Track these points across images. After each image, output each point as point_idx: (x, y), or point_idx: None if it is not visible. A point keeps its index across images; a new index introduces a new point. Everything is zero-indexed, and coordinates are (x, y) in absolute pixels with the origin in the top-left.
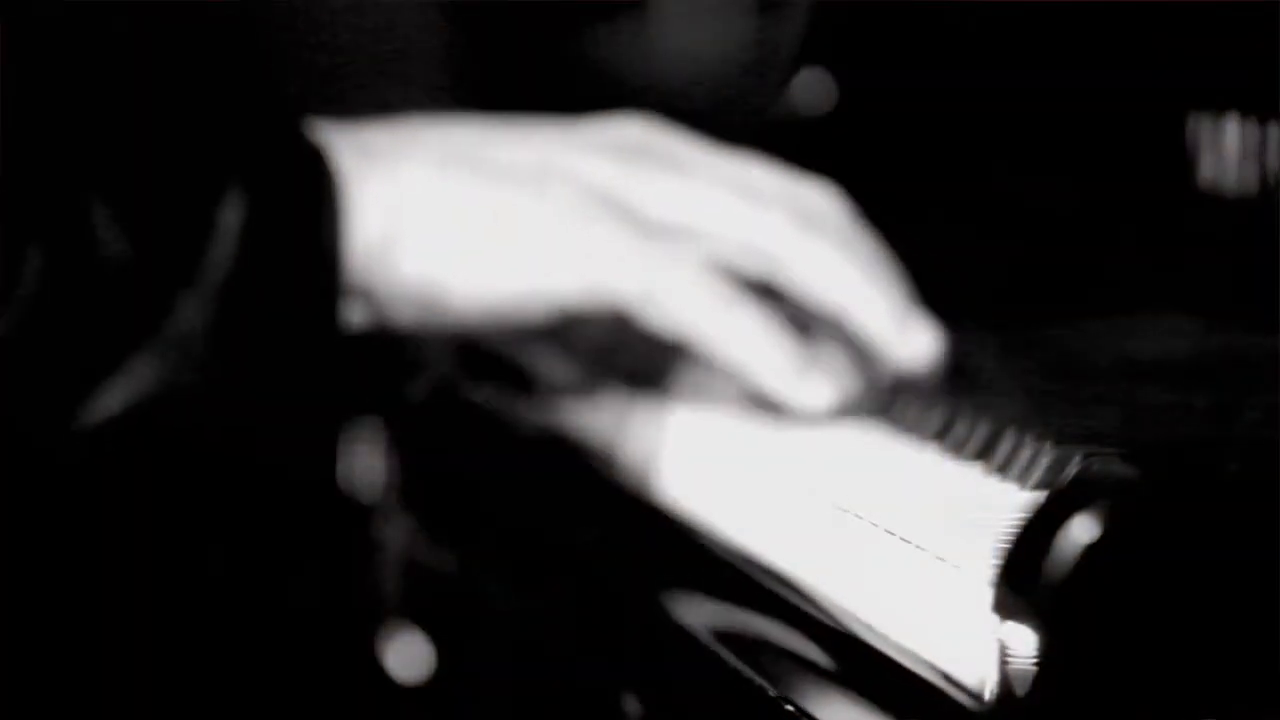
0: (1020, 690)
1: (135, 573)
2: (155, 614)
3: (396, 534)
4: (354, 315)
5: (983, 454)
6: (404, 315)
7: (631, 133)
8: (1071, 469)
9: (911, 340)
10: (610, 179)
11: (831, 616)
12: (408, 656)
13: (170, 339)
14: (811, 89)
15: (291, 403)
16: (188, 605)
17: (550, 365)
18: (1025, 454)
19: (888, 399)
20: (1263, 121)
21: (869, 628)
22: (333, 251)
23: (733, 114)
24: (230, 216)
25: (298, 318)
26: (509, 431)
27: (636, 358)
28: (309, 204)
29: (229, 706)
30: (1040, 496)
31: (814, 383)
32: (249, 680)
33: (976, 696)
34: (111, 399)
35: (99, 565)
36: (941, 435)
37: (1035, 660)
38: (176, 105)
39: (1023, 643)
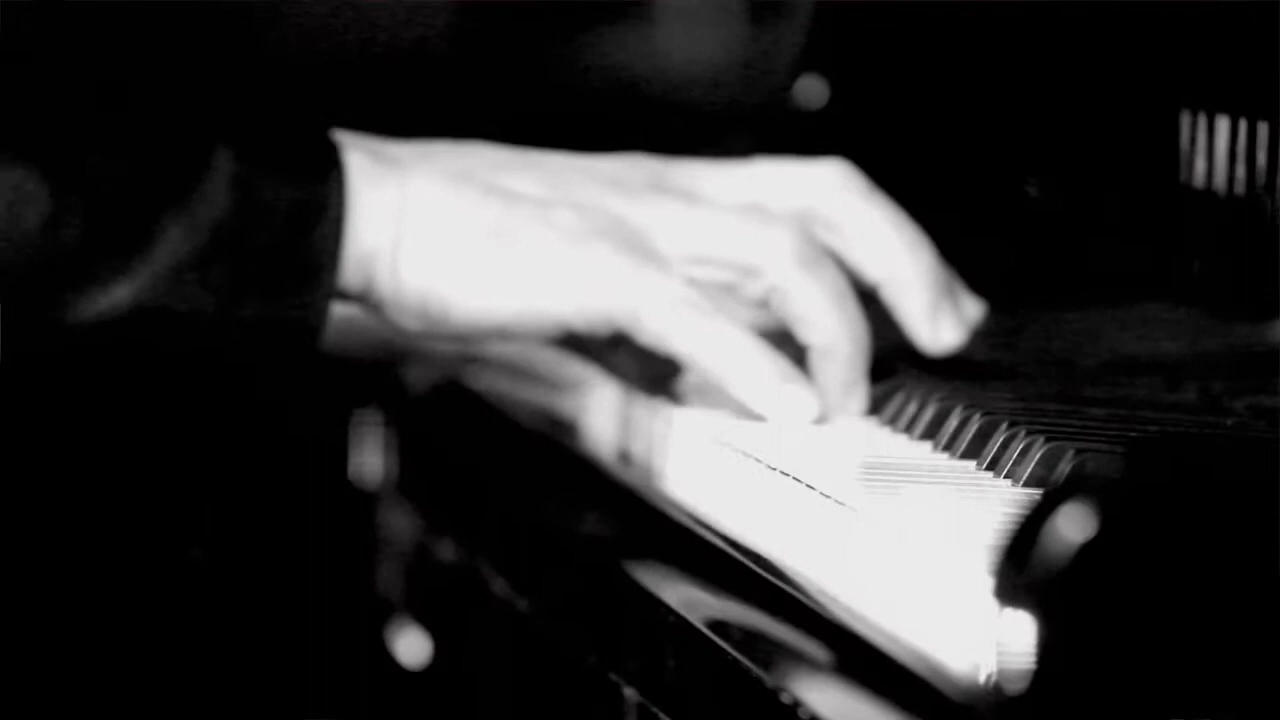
0: (1014, 687)
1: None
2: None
3: (400, 523)
4: (359, 319)
5: (976, 449)
6: (406, 325)
7: (642, 166)
8: (1065, 465)
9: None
10: (616, 208)
11: (828, 609)
12: (416, 642)
13: (153, 261)
14: (812, 93)
15: (276, 357)
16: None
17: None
18: (1018, 449)
19: (882, 395)
20: (1253, 120)
21: (865, 620)
22: (335, 230)
23: (735, 112)
24: (224, 159)
25: (287, 280)
26: (512, 422)
27: (640, 353)
28: (310, 172)
29: (225, 690)
30: (1034, 493)
31: (794, 396)
32: (248, 666)
33: (970, 692)
34: (89, 305)
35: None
36: (936, 431)
37: (1028, 658)
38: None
39: (1017, 641)
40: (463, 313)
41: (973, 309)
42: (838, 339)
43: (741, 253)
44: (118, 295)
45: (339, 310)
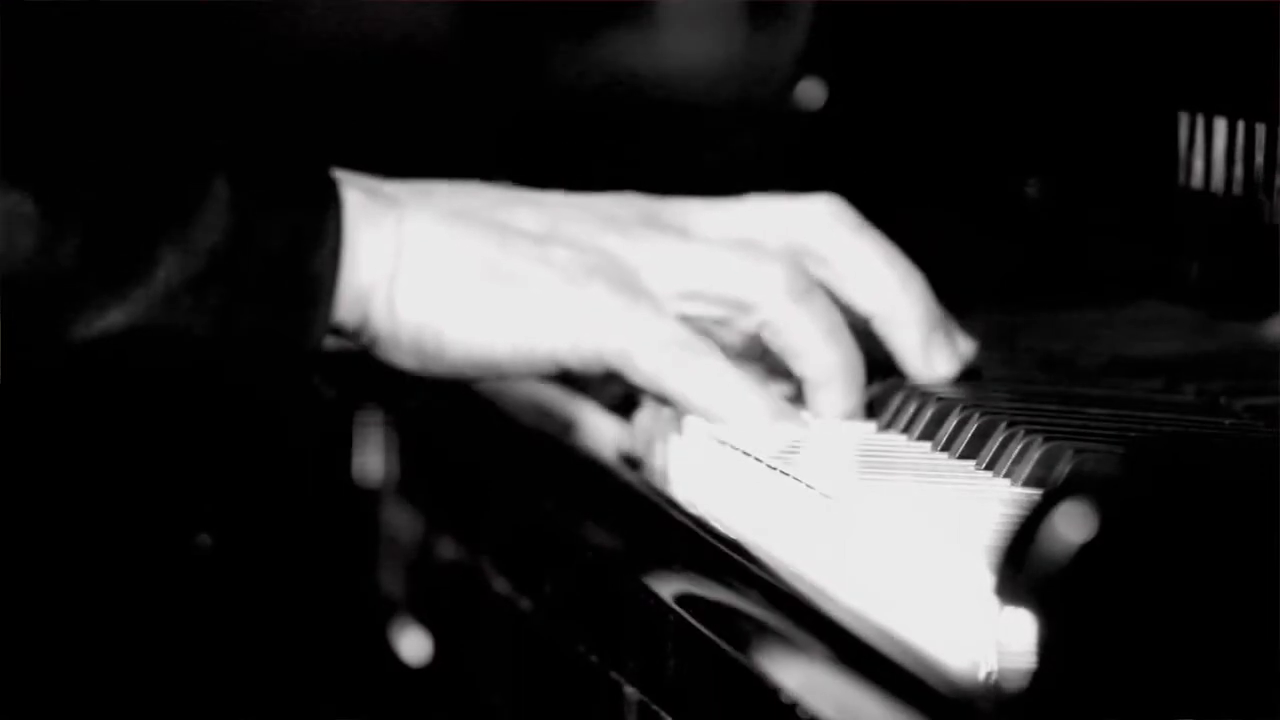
0: (1013, 686)
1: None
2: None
3: (402, 522)
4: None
5: (975, 449)
6: (400, 361)
7: (635, 204)
8: (1064, 464)
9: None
10: (611, 245)
11: (828, 608)
12: (417, 640)
13: (149, 286)
14: (810, 94)
15: (272, 379)
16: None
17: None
18: (1017, 449)
19: (881, 395)
20: (1250, 121)
21: (864, 619)
22: (332, 261)
23: (737, 115)
24: (222, 186)
25: (283, 307)
26: (513, 421)
27: None
28: (308, 203)
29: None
30: (1033, 493)
31: (787, 433)
32: (249, 665)
33: (969, 690)
34: (85, 327)
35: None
36: (935, 430)
37: (1028, 658)
38: (183, 97)
39: (1017, 640)
40: (458, 350)
41: (965, 346)
42: (832, 371)
43: (734, 288)
44: (113, 318)
45: None
